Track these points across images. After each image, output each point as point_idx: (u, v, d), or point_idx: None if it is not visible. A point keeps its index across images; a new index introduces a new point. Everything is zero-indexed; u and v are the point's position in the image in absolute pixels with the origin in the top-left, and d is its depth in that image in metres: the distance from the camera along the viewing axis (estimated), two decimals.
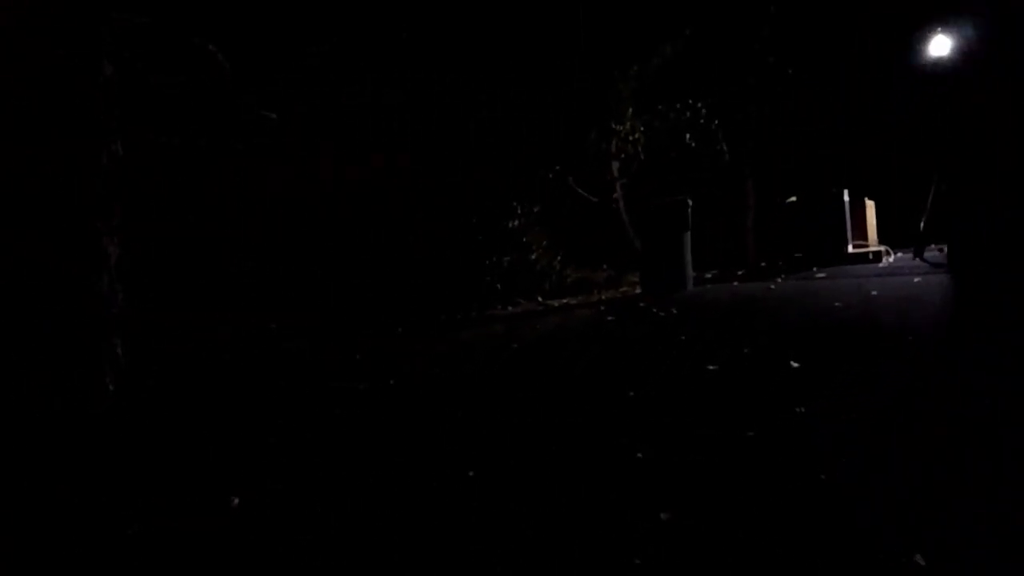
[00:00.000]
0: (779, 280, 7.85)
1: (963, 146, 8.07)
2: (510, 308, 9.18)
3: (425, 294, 10.03)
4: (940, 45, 8.95)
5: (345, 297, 9.36)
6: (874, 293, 5.96)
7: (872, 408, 3.19)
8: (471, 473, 2.83)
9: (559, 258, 11.25)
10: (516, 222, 11.14)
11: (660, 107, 11.96)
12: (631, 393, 3.75)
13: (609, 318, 6.33)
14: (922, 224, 8.99)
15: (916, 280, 6.54)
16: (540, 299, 10.13)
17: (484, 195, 11.47)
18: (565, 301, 9.44)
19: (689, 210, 7.91)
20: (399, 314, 8.48)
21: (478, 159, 11.82)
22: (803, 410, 3.21)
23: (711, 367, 4.10)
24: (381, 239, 10.48)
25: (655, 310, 6.45)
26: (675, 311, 6.28)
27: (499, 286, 10.42)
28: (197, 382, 4.63)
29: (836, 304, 5.55)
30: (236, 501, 2.66)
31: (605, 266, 12.97)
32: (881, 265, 8.39)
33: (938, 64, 8.94)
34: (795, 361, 3.95)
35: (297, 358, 5.65)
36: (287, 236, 9.46)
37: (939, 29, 8.61)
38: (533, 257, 11.02)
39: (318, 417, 3.83)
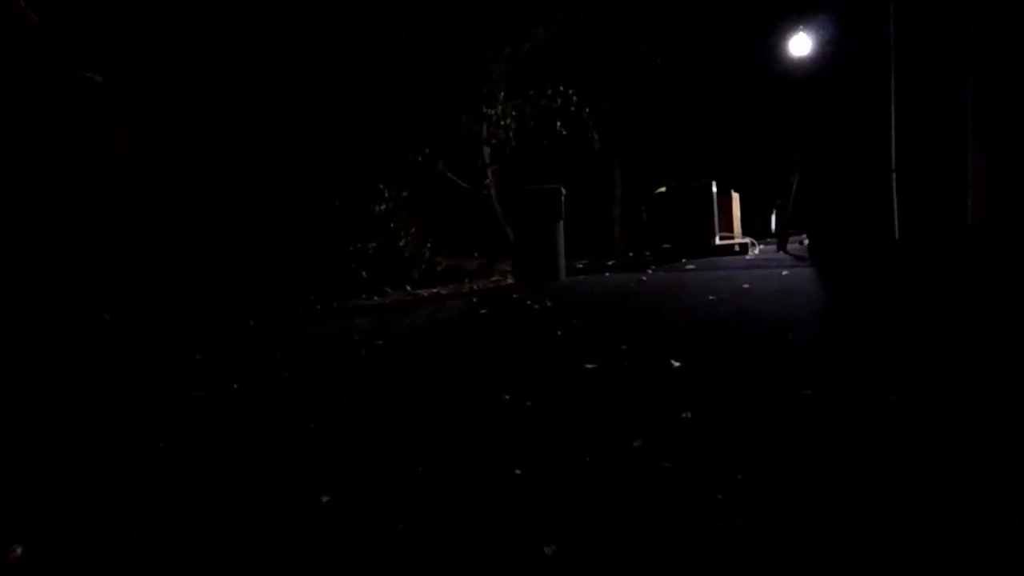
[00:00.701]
0: (650, 271, 7.82)
1: (818, 143, 8.37)
2: (376, 298, 8.68)
3: (284, 282, 9.35)
4: (800, 43, 9.24)
5: (201, 284, 8.61)
6: (746, 286, 5.98)
7: (759, 411, 3.02)
8: (324, 499, 2.41)
9: (429, 245, 10.82)
10: (383, 207, 10.61)
11: (532, 92, 11.76)
12: (506, 396, 3.43)
13: (482, 311, 6.01)
14: (784, 218, 9.32)
15: (784, 273, 6.65)
16: (409, 288, 9.68)
17: (348, 178, 10.86)
18: (436, 291, 9.05)
19: (562, 199, 7.73)
20: (254, 303, 7.80)
21: (342, 140, 11.19)
22: (689, 415, 3.00)
23: (589, 365, 3.85)
24: (240, 224, 9.71)
25: (529, 302, 6.19)
26: (549, 303, 6.05)
27: (365, 274, 9.87)
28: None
29: (710, 297, 5.50)
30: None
31: (476, 254, 12.68)
32: (748, 257, 8.57)
33: (798, 62, 9.22)
34: (675, 360, 3.77)
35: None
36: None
37: (800, 27, 8.86)
38: (402, 244, 10.53)
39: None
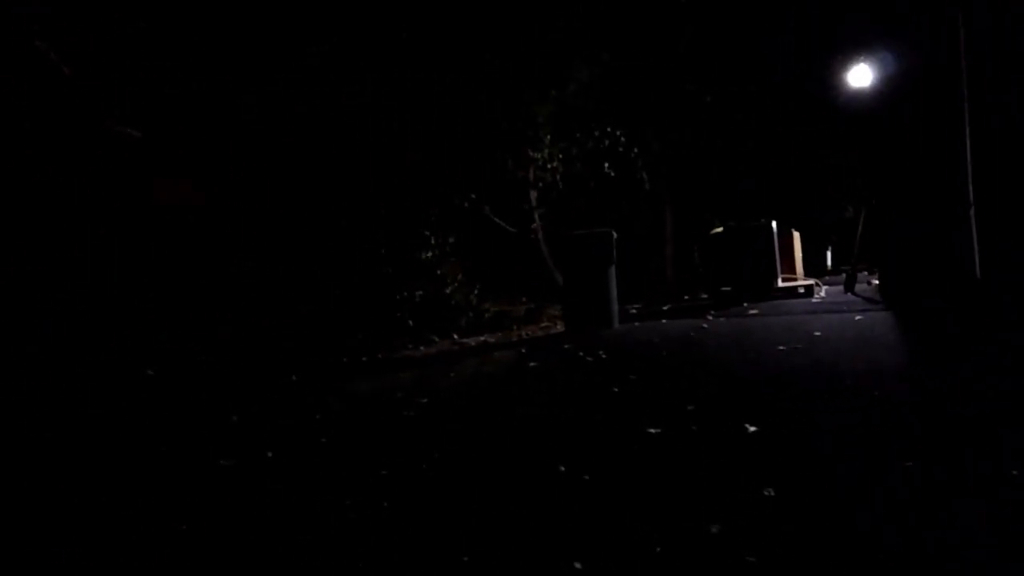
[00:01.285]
0: (710, 318, 7.41)
1: (889, 178, 7.90)
2: (422, 348, 8.42)
3: (329, 332, 9.20)
4: (861, 75, 8.83)
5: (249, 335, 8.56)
6: (817, 334, 5.53)
7: (854, 488, 2.62)
8: None
9: (476, 292, 10.58)
10: (430, 253, 10.43)
11: (578, 135, 11.54)
12: (561, 468, 3.08)
13: (531, 363, 5.68)
14: (854, 258, 8.79)
15: (857, 318, 6.18)
16: (456, 336, 9.42)
17: (395, 224, 10.74)
18: (483, 339, 8.77)
19: (614, 242, 7.41)
20: (298, 356, 7.63)
21: (388, 187, 11.11)
22: (772, 493, 2.61)
23: (652, 430, 3.48)
24: (299, 276, 9.71)
25: (581, 353, 5.85)
26: (603, 355, 5.69)
27: (411, 322, 9.66)
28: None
29: (780, 347, 5.08)
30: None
31: (524, 299, 12.39)
32: (814, 300, 8.08)
33: (858, 93, 8.80)
34: (750, 423, 3.37)
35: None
36: None
37: (861, 58, 8.47)
38: (448, 291, 10.32)
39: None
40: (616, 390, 4.41)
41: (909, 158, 7.44)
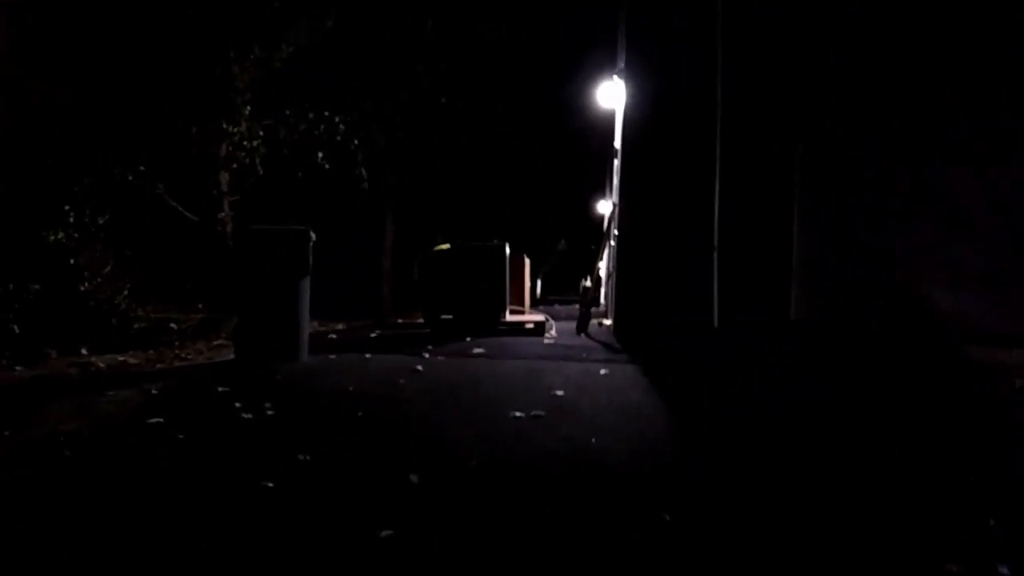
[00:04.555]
0: (426, 356, 5.87)
1: (632, 212, 7.11)
2: (19, 369, 5.82)
3: None
4: (611, 93, 8.05)
5: None
6: (559, 393, 4.23)
7: None
8: None
9: (126, 292, 8.00)
10: (61, 235, 7.66)
11: (288, 113, 9.50)
12: None
13: (154, 419, 3.63)
14: (587, 297, 7.89)
15: (602, 372, 5.02)
16: (85, 352, 6.85)
17: (17, 189, 7.80)
18: (122, 360, 6.38)
19: (310, 246, 5.58)
20: None
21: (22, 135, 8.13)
22: None
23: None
24: None
25: (238, 404, 3.94)
26: (270, 409, 3.85)
27: (17, 328, 6.87)
28: None
29: (516, 413, 3.67)
30: None
31: (201, 305, 9.94)
32: (546, 341, 6.93)
33: (606, 114, 8.00)
34: (487, 553, 1.82)
35: None
36: None
37: (613, 75, 7.64)
38: (84, 287, 7.63)
39: None
40: (270, 485, 2.62)
41: (652, 189, 6.69)
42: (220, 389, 4.42)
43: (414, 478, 2.70)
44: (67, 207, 7.98)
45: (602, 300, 21.92)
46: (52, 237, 7.62)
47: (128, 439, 3.35)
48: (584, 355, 5.88)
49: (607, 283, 8.52)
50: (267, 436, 3.40)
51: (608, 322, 8.70)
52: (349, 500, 2.49)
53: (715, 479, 2.74)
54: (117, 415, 3.84)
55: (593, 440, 3.28)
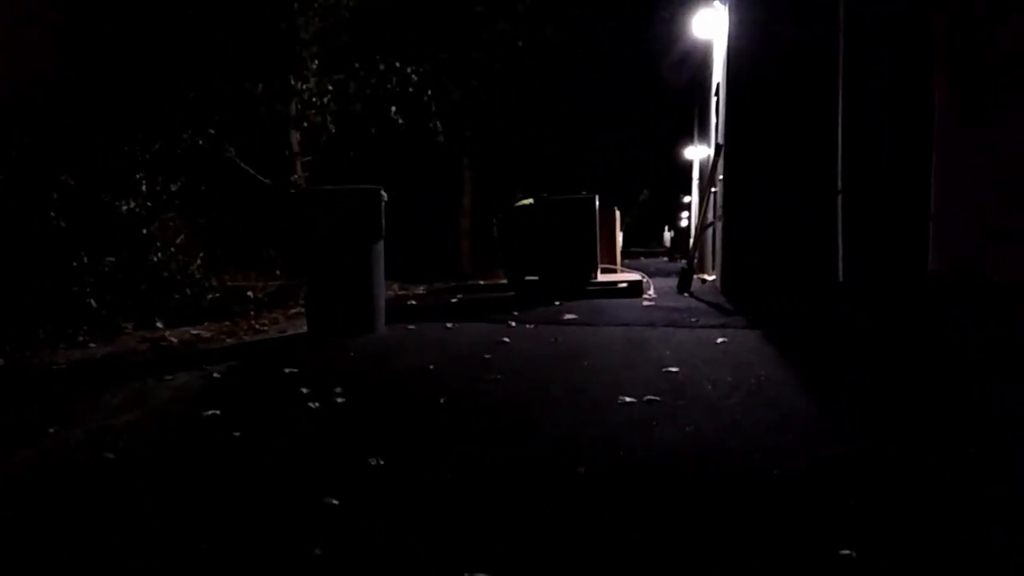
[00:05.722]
0: (512, 324, 5.28)
1: (739, 156, 6.27)
2: (94, 346, 5.58)
3: None
4: (708, 22, 7.14)
5: None
6: (673, 370, 3.57)
7: None
8: None
9: (199, 262, 7.71)
10: (134, 204, 7.40)
11: (358, 65, 8.96)
12: None
13: (210, 412, 3.19)
14: (691, 251, 7.13)
15: (719, 341, 4.32)
16: (160, 325, 6.60)
17: (90, 159, 7.57)
18: (196, 332, 6.08)
19: (383, 206, 5.04)
20: None
21: (84, 108, 7.90)
22: None
23: None
24: None
25: (305, 390, 3.46)
26: (340, 395, 3.35)
27: (94, 302, 6.66)
28: None
29: (626, 399, 3.04)
30: None
31: (279, 272, 9.68)
32: (645, 303, 6.23)
33: (702, 48, 7.12)
34: None
35: None
36: None
37: (713, 1, 6.73)
38: (157, 258, 7.38)
39: None
40: (334, 503, 2.11)
41: (763, 131, 5.83)
42: (287, 370, 3.97)
43: (508, 497, 2.13)
44: (139, 175, 7.72)
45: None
46: (124, 207, 7.37)
47: (178, 438, 2.91)
48: (693, 319, 5.17)
49: (701, 233, 7.72)
50: (335, 432, 2.90)
51: (712, 278, 7.90)
52: (428, 526, 1.93)
53: (907, 497, 2.05)
54: (172, 405, 3.43)
55: (728, 435, 2.63)
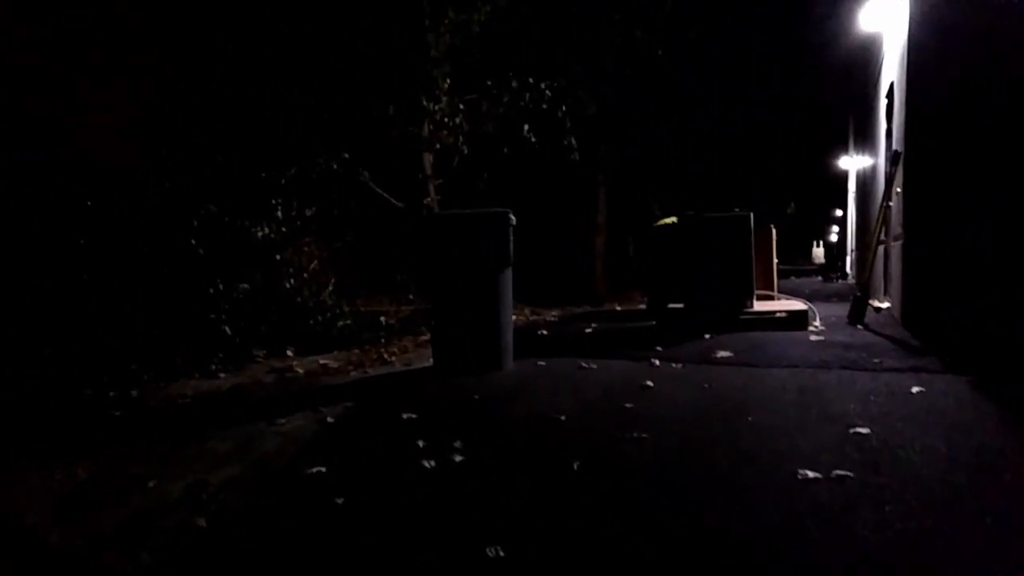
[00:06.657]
0: (656, 363, 4.67)
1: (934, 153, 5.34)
2: (223, 375, 5.52)
3: (102, 348, 6.14)
4: (877, 12, 6.25)
5: None
6: (863, 431, 2.86)
7: None
8: None
9: (331, 288, 7.62)
10: (268, 230, 7.42)
11: (490, 83, 8.66)
12: None
13: (315, 469, 2.84)
14: (865, 271, 6.23)
15: (915, 391, 3.53)
16: (290, 353, 6.51)
17: (230, 186, 7.69)
18: (323, 362, 5.92)
19: (511, 230, 4.60)
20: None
21: (225, 135, 8.08)
22: None
23: None
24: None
25: (422, 443, 3.05)
26: (459, 452, 2.91)
27: (228, 329, 6.67)
28: None
29: (804, 473, 2.39)
30: None
31: (412, 296, 9.52)
32: (813, 338, 5.41)
33: (872, 39, 6.25)
34: None
35: None
36: None
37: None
38: (290, 284, 7.34)
39: None
40: None
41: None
42: (405, 416, 3.58)
43: None
44: (275, 200, 7.76)
45: (848, 270, 19.19)
46: (260, 233, 7.39)
47: (275, 504, 2.56)
48: (876, 360, 4.35)
49: (875, 254, 6.74)
50: (449, 503, 2.45)
51: (886, 305, 6.90)
52: None
53: None
54: (277, 458, 3.10)
55: (956, 535, 1.94)
